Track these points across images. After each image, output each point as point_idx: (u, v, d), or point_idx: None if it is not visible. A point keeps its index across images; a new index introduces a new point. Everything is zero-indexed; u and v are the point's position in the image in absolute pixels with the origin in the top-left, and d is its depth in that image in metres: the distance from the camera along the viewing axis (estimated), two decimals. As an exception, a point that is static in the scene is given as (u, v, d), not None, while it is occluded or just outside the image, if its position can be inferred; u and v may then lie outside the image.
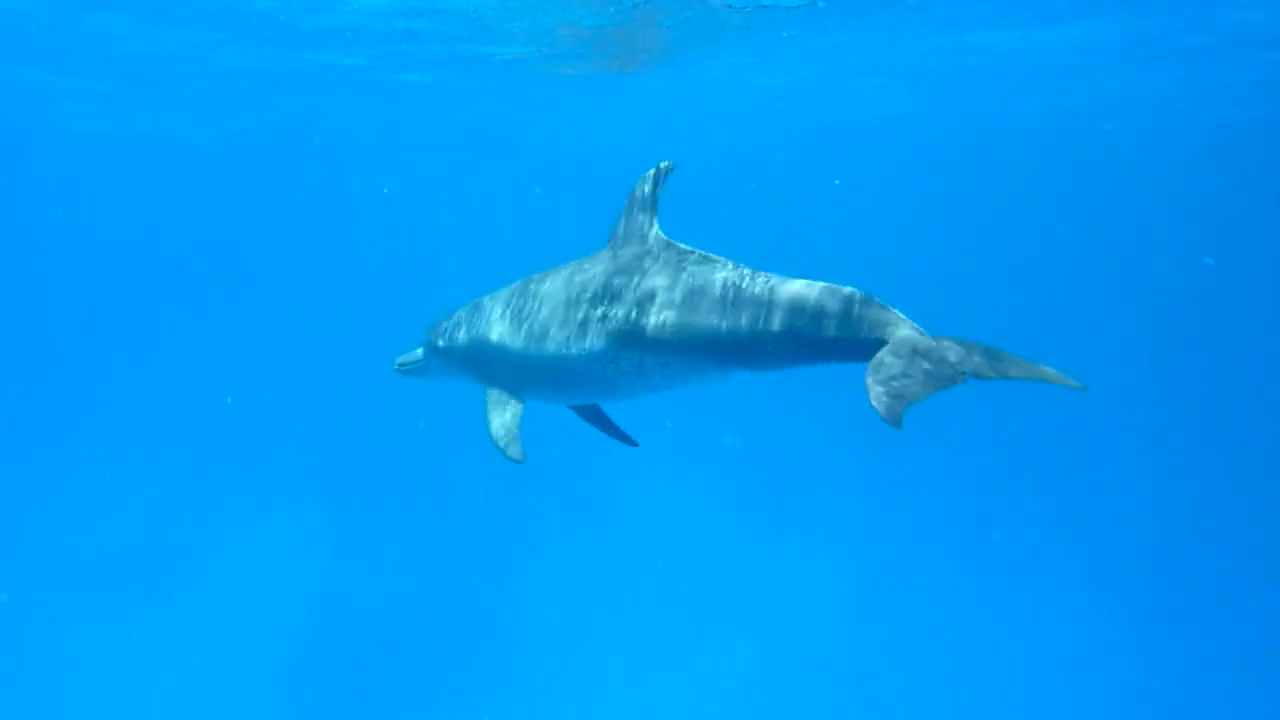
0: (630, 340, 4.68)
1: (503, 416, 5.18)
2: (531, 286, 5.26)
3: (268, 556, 15.84)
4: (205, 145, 23.12)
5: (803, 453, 19.50)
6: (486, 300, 5.61)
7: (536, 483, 16.05)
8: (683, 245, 4.77)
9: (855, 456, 18.64)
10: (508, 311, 5.30)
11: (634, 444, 5.74)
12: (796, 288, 4.32)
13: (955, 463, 19.79)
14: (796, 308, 4.26)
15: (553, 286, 5.10)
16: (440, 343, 5.81)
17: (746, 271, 4.51)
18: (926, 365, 3.81)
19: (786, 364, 4.43)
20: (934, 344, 3.91)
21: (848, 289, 4.24)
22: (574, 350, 4.87)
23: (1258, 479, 19.54)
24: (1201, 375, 25.42)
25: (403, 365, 6.17)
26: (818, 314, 4.20)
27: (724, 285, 4.47)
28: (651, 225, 4.84)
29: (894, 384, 3.77)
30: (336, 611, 15.02)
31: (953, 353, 3.84)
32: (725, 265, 4.58)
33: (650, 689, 13.78)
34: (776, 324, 4.28)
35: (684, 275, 4.60)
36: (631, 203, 4.91)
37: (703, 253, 4.69)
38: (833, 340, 4.18)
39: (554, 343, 4.95)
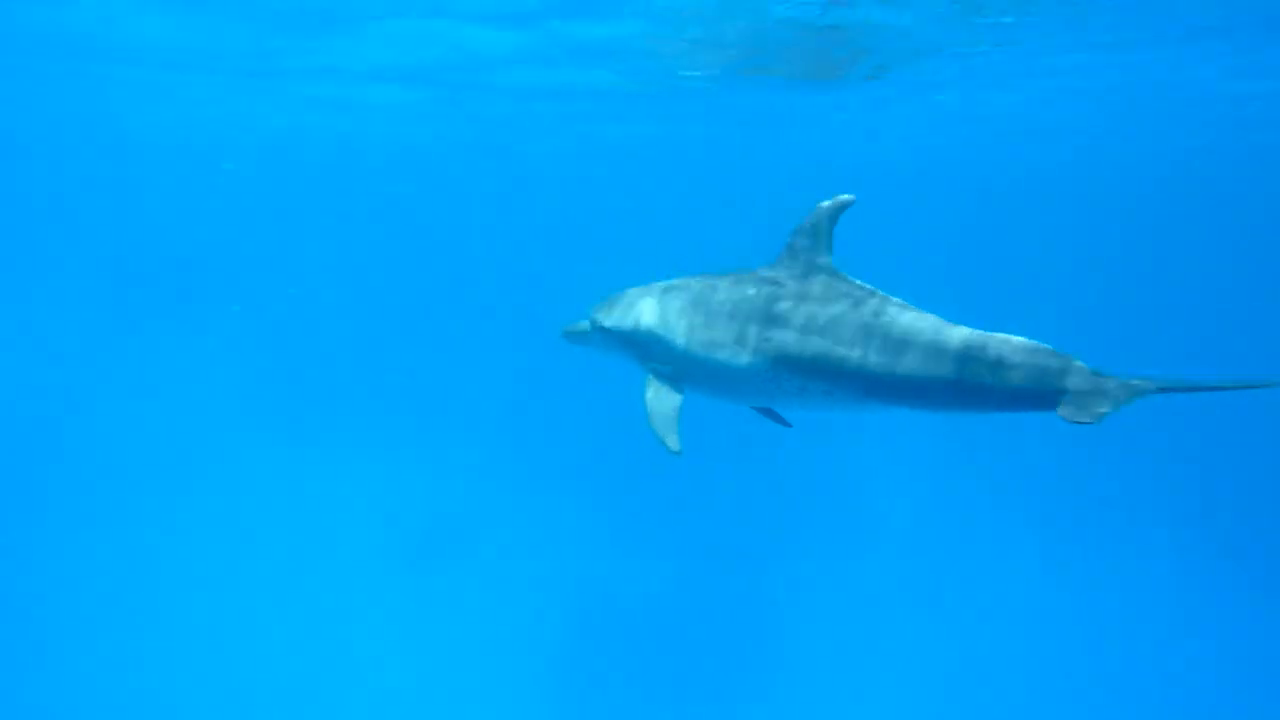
0: (794, 365, 4.75)
1: (662, 407, 5.23)
2: (699, 289, 5.31)
3: (534, 545, 16.73)
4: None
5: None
6: (653, 290, 5.65)
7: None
8: (853, 279, 4.78)
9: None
10: (674, 309, 5.36)
11: (787, 425, 5.70)
12: (971, 336, 4.30)
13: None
14: (971, 356, 4.25)
15: (721, 296, 5.15)
16: (606, 321, 5.85)
17: (918, 313, 4.48)
18: (1114, 388, 4.03)
19: (955, 409, 4.44)
20: (1117, 378, 4.08)
21: (1024, 340, 4.23)
22: (736, 363, 4.97)
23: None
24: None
25: (569, 333, 6.26)
26: (994, 364, 4.21)
27: (894, 325, 4.47)
28: (824, 255, 4.87)
29: (1085, 404, 4.03)
30: (597, 602, 15.75)
31: (1136, 380, 4.05)
32: (897, 304, 4.57)
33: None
34: (950, 370, 4.29)
35: (855, 309, 4.62)
36: (805, 228, 4.92)
37: (874, 288, 4.68)
38: (1009, 391, 4.19)
39: (717, 351, 5.05)
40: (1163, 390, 3.96)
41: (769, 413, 5.62)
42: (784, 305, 4.85)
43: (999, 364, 4.19)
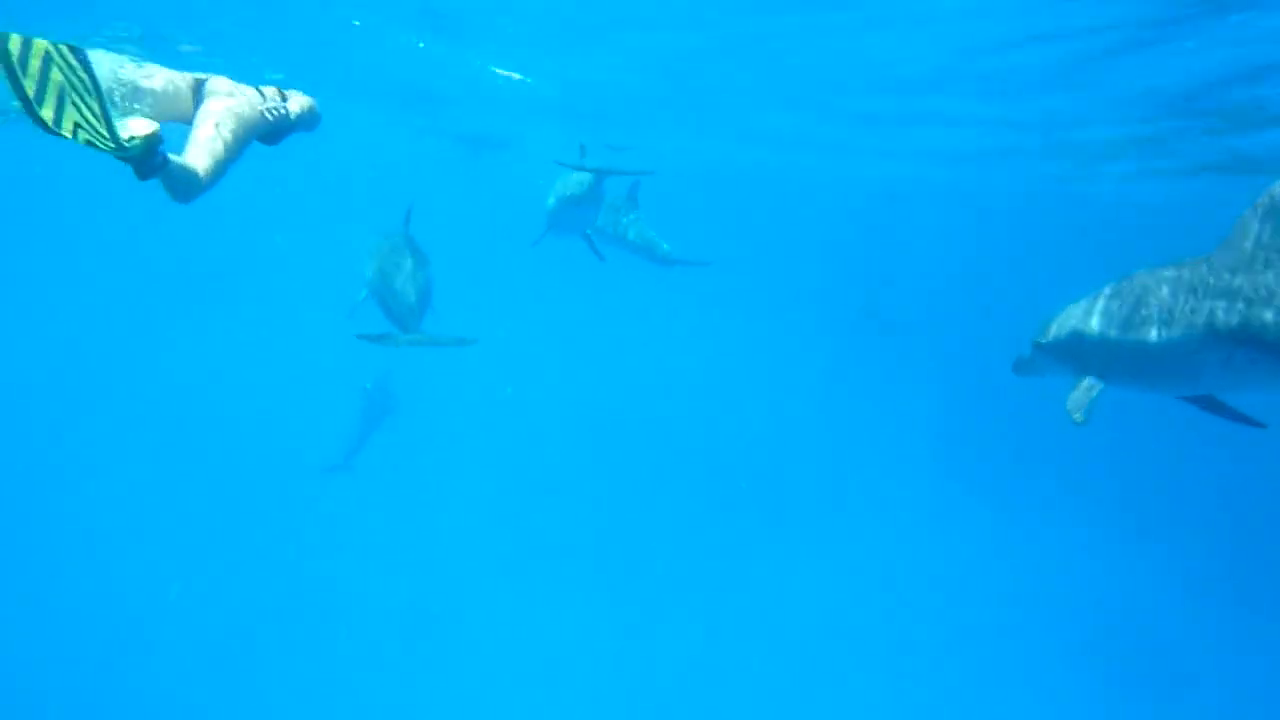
0: (1221, 333, 4.81)
1: (1083, 392, 5.45)
2: (1128, 282, 5.42)
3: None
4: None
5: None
6: (1086, 297, 5.75)
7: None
8: None
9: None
10: (1104, 303, 5.49)
11: (1261, 425, 5.45)
12: None
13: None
14: None
15: (1148, 280, 5.26)
16: (1042, 339, 5.95)
17: None
18: None
19: None
20: None
21: None
22: (1162, 339, 5.05)
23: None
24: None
25: (1016, 365, 6.43)
26: None
27: None
28: (1271, 233, 4.84)
29: None
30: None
31: None
32: None
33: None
34: None
35: None
36: (1253, 211, 4.92)
37: None
38: None
39: (1143, 332, 5.14)
40: None
41: (1234, 414, 5.52)
42: (1214, 279, 4.92)
43: None
